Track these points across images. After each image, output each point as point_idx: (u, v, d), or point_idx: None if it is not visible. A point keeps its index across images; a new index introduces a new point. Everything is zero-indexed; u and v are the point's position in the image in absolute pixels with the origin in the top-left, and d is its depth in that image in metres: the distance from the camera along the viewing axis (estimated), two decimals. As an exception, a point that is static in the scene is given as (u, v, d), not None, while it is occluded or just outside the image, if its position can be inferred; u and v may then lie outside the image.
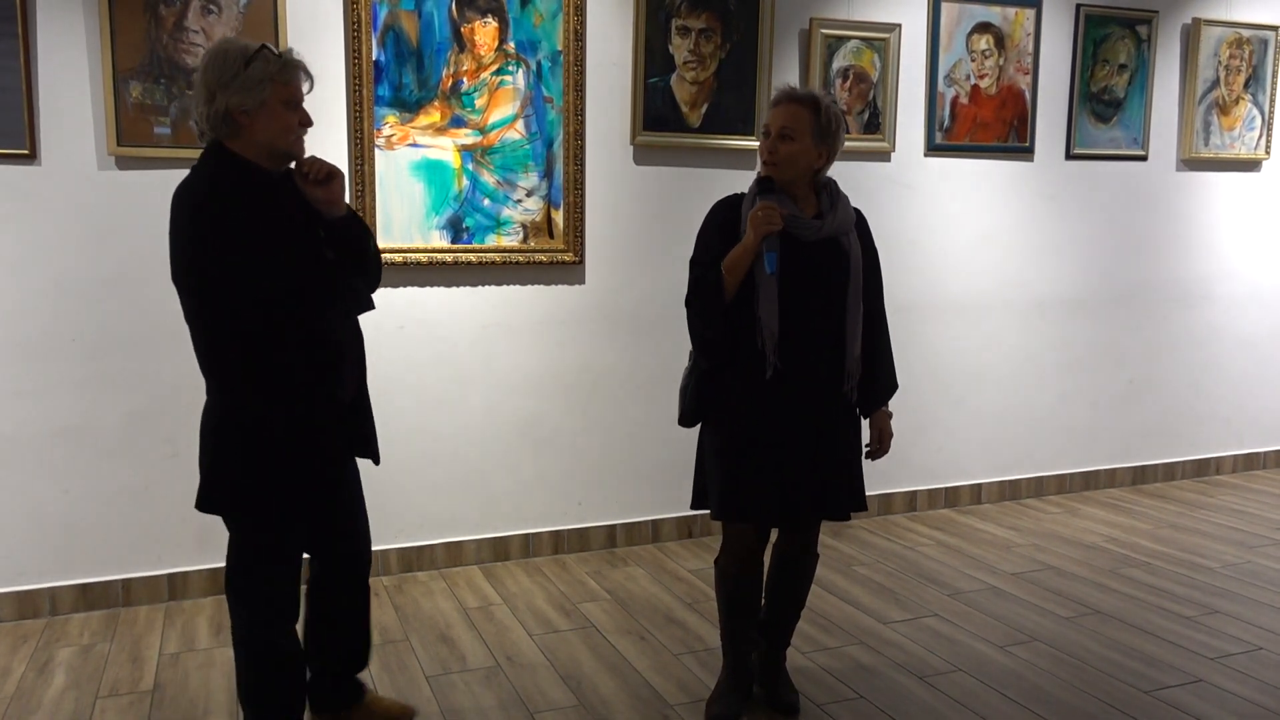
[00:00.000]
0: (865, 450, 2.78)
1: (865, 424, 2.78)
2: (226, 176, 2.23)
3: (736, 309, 2.56)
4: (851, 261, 2.64)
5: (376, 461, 2.58)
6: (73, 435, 3.46)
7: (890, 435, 2.81)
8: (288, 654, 2.45)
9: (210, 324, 2.26)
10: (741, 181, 4.15)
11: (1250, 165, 5.23)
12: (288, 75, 2.22)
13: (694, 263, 2.64)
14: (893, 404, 4.68)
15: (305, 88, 2.28)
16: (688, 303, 2.64)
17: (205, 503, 2.36)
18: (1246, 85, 5.11)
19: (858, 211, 2.72)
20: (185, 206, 2.24)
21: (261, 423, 2.27)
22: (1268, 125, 5.19)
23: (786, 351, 2.56)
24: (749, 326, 2.56)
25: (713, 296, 2.56)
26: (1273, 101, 5.18)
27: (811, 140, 2.57)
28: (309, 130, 2.32)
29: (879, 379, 2.74)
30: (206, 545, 3.65)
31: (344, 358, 2.36)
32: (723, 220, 2.64)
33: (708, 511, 2.75)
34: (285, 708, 2.45)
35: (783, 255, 2.51)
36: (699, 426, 2.75)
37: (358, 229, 2.40)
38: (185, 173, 3.47)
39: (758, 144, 2.69)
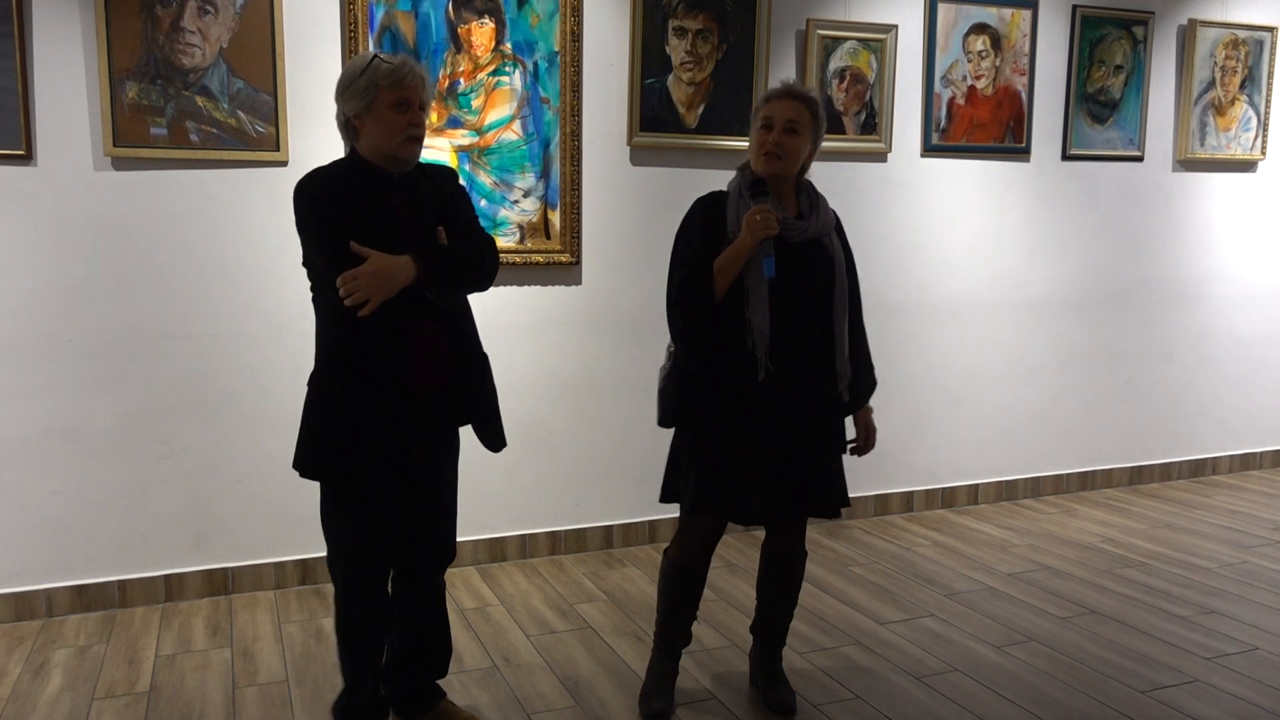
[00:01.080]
0: (851, 447, 2.79)
1: (848, 421, 2.79)
2: (333, 171, 2.40)
3: (723, 310, 2.56)
4: (836, 262, 2.66)
5: (493, 448, 2.58)
6: (68, 436, 3.46)
7: (875, 431, 2.83)
8: (356, 626, 2.52)
9: (312, 293, 2.44)
10: (738, 182, 4.16)
11: (1246, 166, 5.24)
12: (393, 80, 2.33)
13: (679, 262, 2.62)
14: (889, 404, 4.70)
15: (420, 94, 2.36)
16: (674, 303, 2.62)
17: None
18: (1242, 86, 5.12)
19: (834, 213, 2.72)
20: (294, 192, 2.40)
21: (320, 389, 2.41)
22: (1263, 126, 5.20)
23: (776, 353, 2.56)
24: (737, 328, 2.56)
25: (702, 298, 2.55)
26: (1268, 102, 5.19)
27: (809, 138, 2.59)
28: (423, 137, 2.40)
29: (861, 378, 2.77)
30: (203, 546, 3.65)
31: (413, 346, 2.37)
32: (705, 219, 2.62)
33: (676, 505, 2.76)
34: (356, 676, 2.55)
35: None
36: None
37: (441, 283, 2.38)
38: (182, 173, 3.50)
39: (751, 137, 2.66)
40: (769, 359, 2.56)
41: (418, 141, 2.39)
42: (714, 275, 2.54)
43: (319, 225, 2.34)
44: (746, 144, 4.09)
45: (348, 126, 2.40)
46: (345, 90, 2.36)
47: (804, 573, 2.87)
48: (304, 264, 2.43)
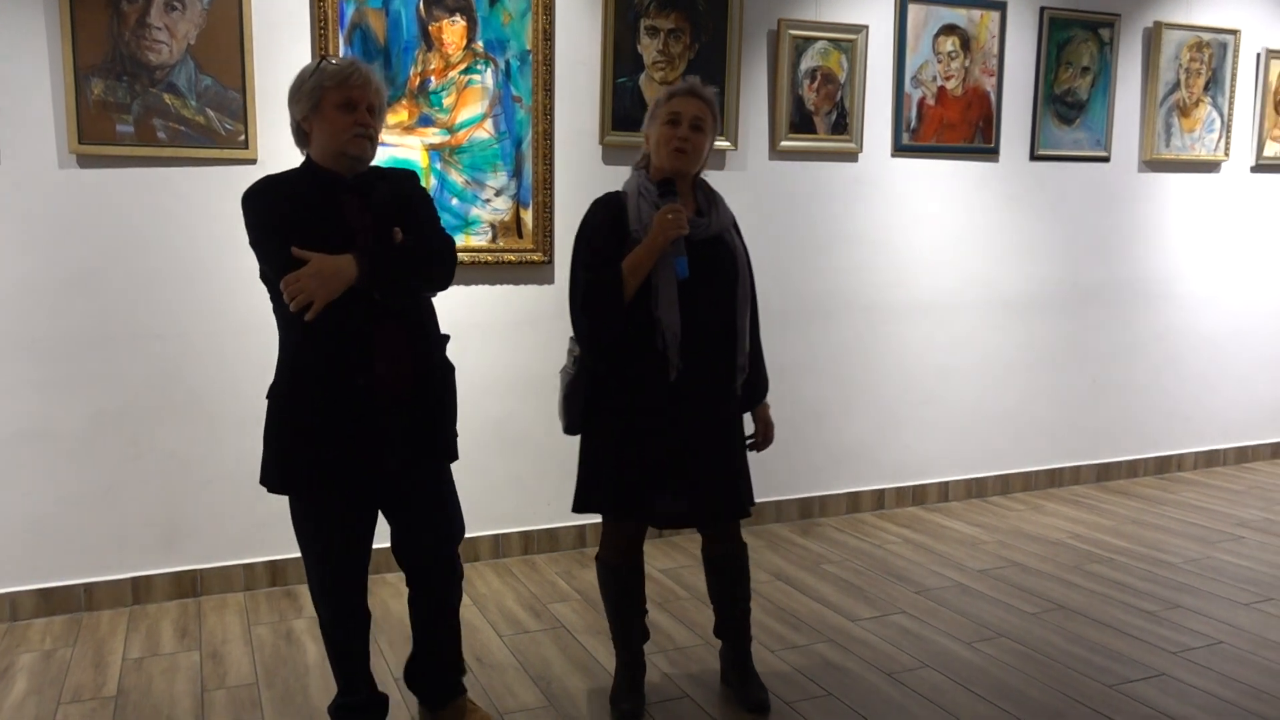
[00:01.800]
0: (749, 442, 2.81)
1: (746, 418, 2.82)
2: (283, 177, 2.39)
3: (631, 310, 2.55)
4: (738, 258, 2.68)
5: (442, 460, 2.53)
6: (34, 438, 3.41)
7: (773, 426, 2.86)
8: (339, 640, 2.53)
9: (272, 304, 2.41)
10: (711, 181, 4.15)
11: (1210, 166, 5.31)
12: (338, 80, 2.32)
13: (584, 265, 2.60)
14: (860, 402, 4.72)
15: (367, 94, 2.33)
16: (581, 306, 2.59)
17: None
18: (1206, 88, 5.19)
19: (730, 211, 2.75)
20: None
21: (278, 400, 2.40)
22: (1226, 127, 5.28)
23: (685, 351, 2.56)
24: (644, 328, 2.56)
25: (612, 300, 2.54)
26: (1232, 104, 5.26)
27: (710, 136, 2.63)
28: (374, 137, 2.38)
29: (759, 374, 2.79)
30: (171, 548, 3.61)
31: (371, 351, 2.33)
32: (605, 220, 2.61)
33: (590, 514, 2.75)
34: (348, 679, 2.57)
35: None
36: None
37: (385, 281, 2.33)
38: (149, 171, 3.46)
39: (651, 133, 2.64)
40: (680, 358, 2.56)
41: (368, 140, 2.36)
42: (623, 276, 2.53)
43: (264, 231, 2.31)
44: (718, 144, 4.13)
45: (299, 131, 2.40)
46: (294, 94, 2.36)
47: (748, 566, 2.86)
48: (260, 277, 2.40)
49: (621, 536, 2.75)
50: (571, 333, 2.69)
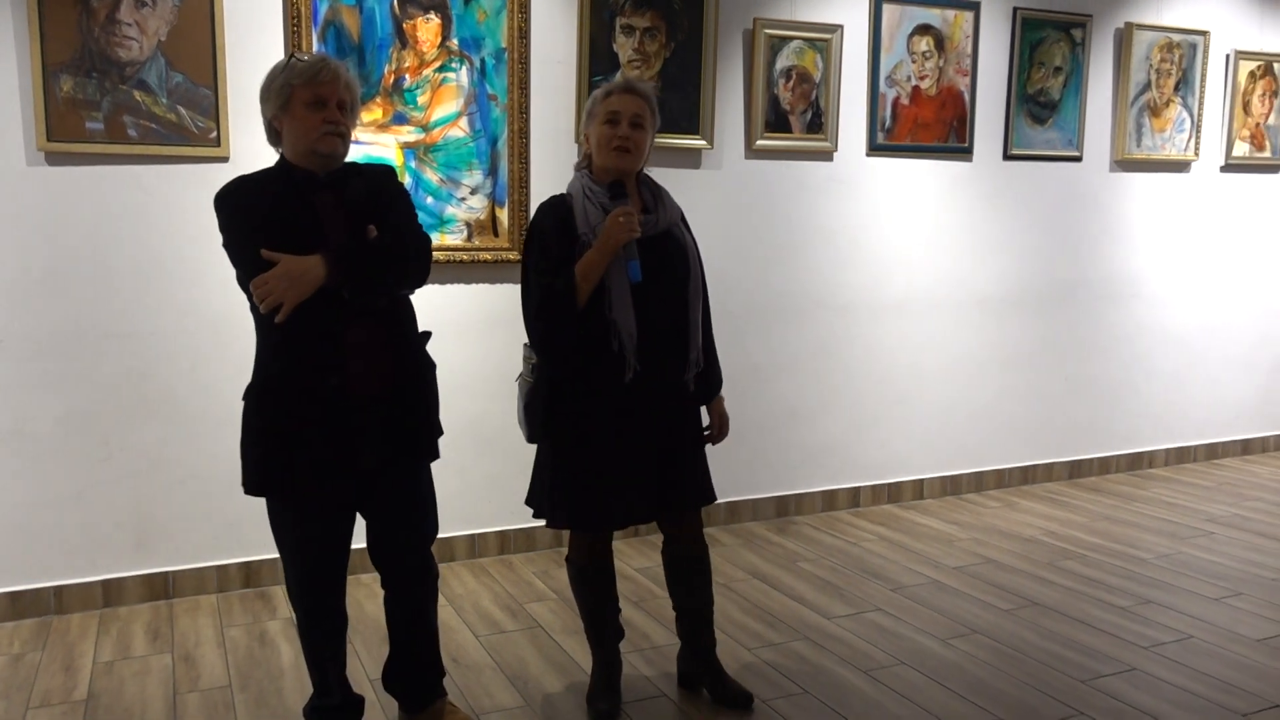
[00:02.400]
0: (706, 435, 2.81)
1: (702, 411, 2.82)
2: (255, 176, 2.37)
3: (584, 314, 2.54)
4: (689, 253, 2.69)
5: (422, 459, 2.51)
6: (3, 438, 3.36)
7: (728, 419, 2.86)
8: (316, 643, 2.53)
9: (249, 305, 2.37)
10: (687, 180, 4.17)
11: (1180, 166, 5.37)
12: (307, 78, 2.29)
13: (536, 271, 2.58)
14: (835, 401, 4.74)
15: (337, 91, 2.31)
16: (536, 314, 2.57)
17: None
18: (1177, 88, 5.25)
19: (678, 205, 2.75)
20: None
21: (253, 402, 2.38)
22: (1196, 128, 5.34)
23: (641, 351, 2.56)
24: (598, 330, 2.55)
25: (566, 305, 2.52)
26: (1201, 104, 5.32)
27: (651, 132, 2.63)
28: (346, 134, 2.36)
29: (713, 368, 2.79)
30: (142, 550, 3.57)
31: (345, 351, 2.31)
32: (553, 224, 2.59)
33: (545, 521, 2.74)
34: (323, 682, 2.57)
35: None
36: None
37: (355, 280, 2.31)
38: (119, 169, 3.42)
39: (590, 133, 2.63)
40: (636, 359, 2.56)
41: (339, 137, 2.34)
42: (576, 282, 2.51)
43: (236, 233, 2.30)
44: (695, 143, 4.13)
45: (271, 130, 2.38)
46: (264, 93, 2.34)
47: (710, 566, 2.86)
48: (236, 279, 2.37)
49: (588, 539, 2.76)
50: (526, 339, 2.67)
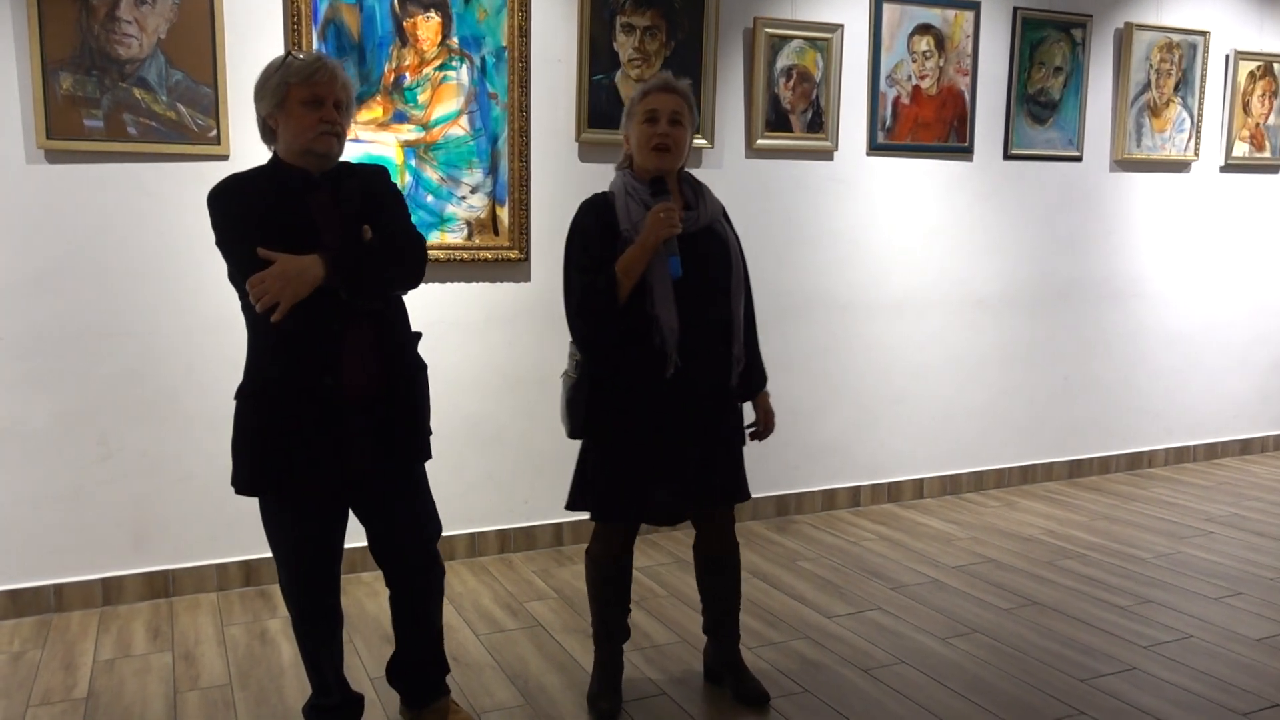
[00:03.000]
0: (750, 432, 2.81)
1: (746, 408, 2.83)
2: (249, 175, 2.36)
3: (626, 309, 2.55)
4: (731, 248, 2.68)
5: (413, 460, 2.50)
6: (1, 437, 3.36)
7: (774, 415, 2.86)
8: (312, 643, 2.51)
9: (241, 304, 2.37)
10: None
11: (1180, 166, 5.37)
12: (304, 76, 2.28)
13: (578, 267, 2.58)
14: (836, 401, 4.74)
15: (333, 90, 2.30)
16: (577, 310, 2.58)
17: None
18: (1176, 89, 5.25)
19: (719, 201, 2.75)
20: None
21: (245, 401, 2.38)
22: (1196, 128, 5.34)
23: (682, 347, 2.56)
24: (640, 326, 2.55)
25: (607, 302, 2.53)
26: (1201, 105, 5.32)
27: (689, 129, 2.64)
28: (342, 134, 2.34)
29: (756, 364, 2.80)
30: (142, 548, 3.57)
31: (339, 351, 2.31)
32: (594, 222, 2.60)
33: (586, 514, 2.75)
34: (321, 681, 2.56)
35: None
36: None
37: (351, 280, 2.30)
38: (118, 167, 3.42)
39: (630, 132, 2.63)
40: (677, 354, 2.56)
41: (335, 137, 2.33)
42: (618, 277, 2.52)
43: (230, 232, 2.29)
44: (694, 142, 4.12)
45: (266, 128, 2.36)
46: (260, 91, 2.33)
47: (740, 563, 2.88)
48: (228, 278, 2.37)
49: (613, 534, 2.75)
50: (570, 336, 2.68)
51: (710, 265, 2.62)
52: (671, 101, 2.58)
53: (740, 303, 2.69)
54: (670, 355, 2.55)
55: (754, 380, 2.80)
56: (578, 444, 4.10)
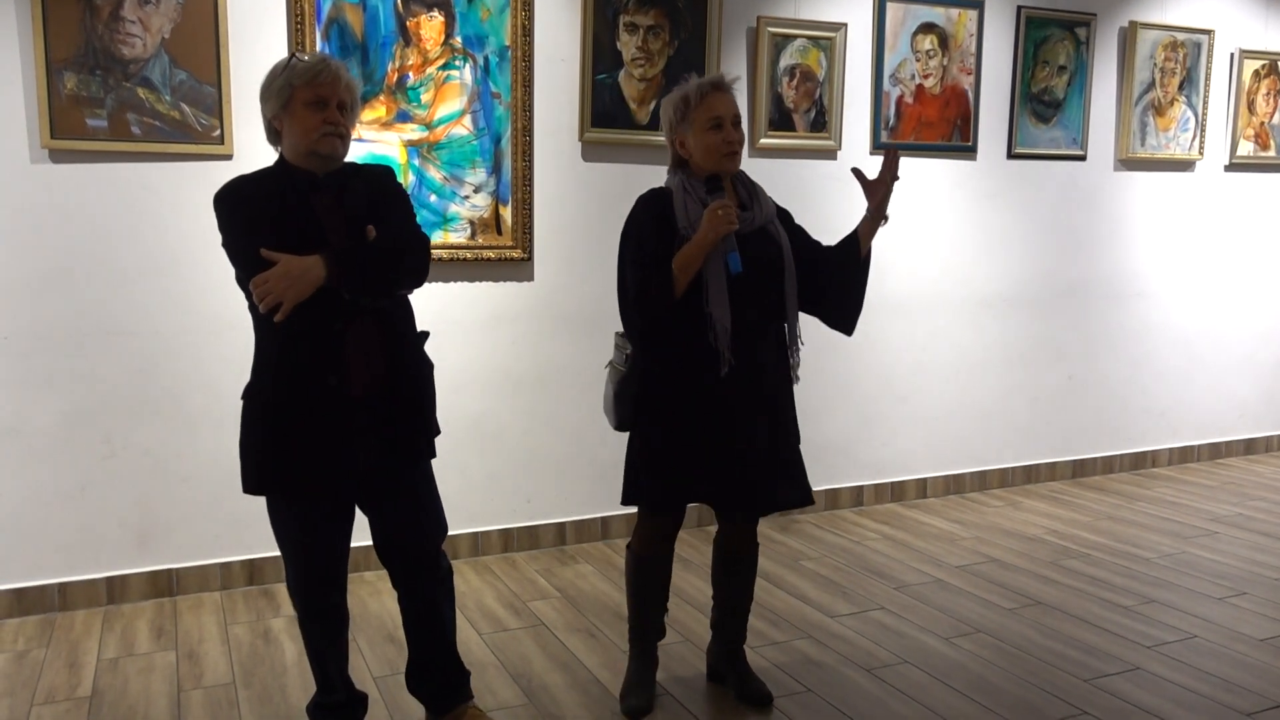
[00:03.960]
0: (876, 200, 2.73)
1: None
2: (254, 176, 2.37)
3: (681, 306, 2.55)
4: (784, 249, 2.67)
5: (418, 459, 2.50)
6: (6, 435, 3.37)
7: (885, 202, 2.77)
8: (317, 642, 2.54)
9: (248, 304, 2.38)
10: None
11: (1184, 165, 5.36)
12: (308, 78, 2.29)
13: (633, 262, 2.59)
14: (839, 400, 4.73)
15: (338, 92, 2.31)
16: (632, 304, 2.59)
17: None
18: (1181, 87, 5.24)
19: (773, 200, 2.75)
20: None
21: (251, 401, 2.39)
22: (1200, 127, 5.33)
23: (736, 345, 2.57)
24: (694, 323, 2.56)
25: (662, 296, 2.54)
26: (1206, 104, 5.31)
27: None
28: (346, 135, 2.35)
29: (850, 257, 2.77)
30: (146, 547, 3.58)
31: (343, 351, 2.31)
32: (652, 216, 2.60)
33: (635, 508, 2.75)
34: (326, 679, 2.57)
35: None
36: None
37: (354, 280, 2.30)
38: (122, 166, 3.42)
39: (692, 139, 2.59)
40: (731, 352, 2.56)
41: (339, 138, 2.33)
42: (674, 273, 2.52)
43: (235, 233, 2.30)
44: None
45: (271, 129, 2.38)
46: (265, 92, 2.34)
47: (757, 564, 2.89)
48: (235, 279, 2.37)
49: (656, 528, 2.75)
50: (620, 329, 2.69)
51: (764, 266, 2.61)
52: (731, 103, 2.58)
53: (794, 300, 2.68)
54: (724, 353, 2.55)
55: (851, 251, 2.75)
56: (581, 443, 4.14)
